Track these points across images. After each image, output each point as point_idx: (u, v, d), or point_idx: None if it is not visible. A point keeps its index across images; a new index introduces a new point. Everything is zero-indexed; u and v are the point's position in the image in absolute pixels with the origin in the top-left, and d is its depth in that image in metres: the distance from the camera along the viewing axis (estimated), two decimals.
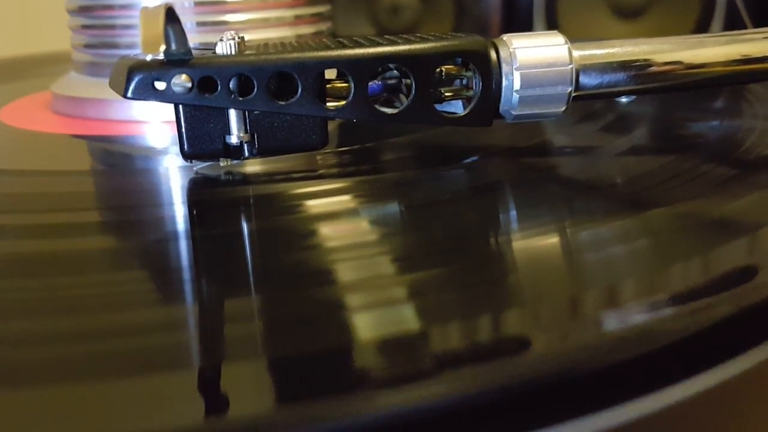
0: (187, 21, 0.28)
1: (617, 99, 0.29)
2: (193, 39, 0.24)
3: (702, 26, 0.42)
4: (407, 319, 0.13)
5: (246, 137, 0.20)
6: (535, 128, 0.26)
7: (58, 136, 0.28)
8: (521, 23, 0.47)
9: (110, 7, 0.29)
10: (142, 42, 0.18)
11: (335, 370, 0.12)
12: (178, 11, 0.19)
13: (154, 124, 0.28)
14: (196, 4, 0.28)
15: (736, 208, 0.18)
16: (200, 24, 0.29)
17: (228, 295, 0.15)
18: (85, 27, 0.30)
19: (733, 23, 0.41)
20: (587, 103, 0.29)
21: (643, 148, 0.24)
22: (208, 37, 0.27)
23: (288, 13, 0.30)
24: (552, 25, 0.46)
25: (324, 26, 0.32)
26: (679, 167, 0.21)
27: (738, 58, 0.21)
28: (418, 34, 0.21)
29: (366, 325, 0.13)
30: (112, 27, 0.29)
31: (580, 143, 0.25)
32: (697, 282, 0.15)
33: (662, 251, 0.16)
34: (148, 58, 0.19)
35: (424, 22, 0.49)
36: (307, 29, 0.31)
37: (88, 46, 0.31)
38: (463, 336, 0.13)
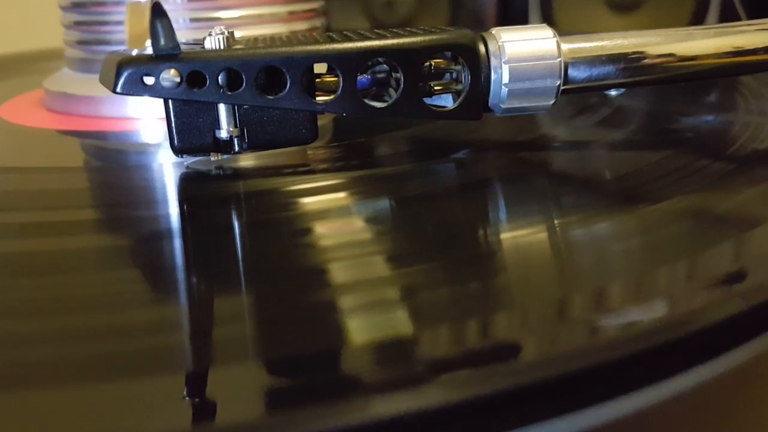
0: (180, 17, 0.28)
1: (607, 92, 0.29)
2: (186, 35, 0.24)
3: (697, 19, 0.42)
4: (398, 321, 0.13)
5: (236, 132, 0.20)
6: (531, 123, 0.26)
7: (51, 132, 0.29)
8: (516, 17, 0.47)
9: (102, 4, 0.29)
10: (127, 37, 0.18)
11: (325, 374, 0.12)
12: (171, 8, 0.19)
13: (146, 121, 0.28)
14: (189, 0, 0.28)
15: (732, 204, 0.18)
16: (193, 20, 0.28)
17: (217, 295, 0.15)
18: (78, 23, 0.30)
19: (729, 16, 0.41)
20: (582, 97, 0.29)
21: (638, 143, 0.24)
22: (202, 34, 0.27)
23: (282, 9, 0.30)
24: (547, 19, 0.46)
25: (318, 22, 0.32)
26: (673, 162, 0.21)
27: (728, 50, 0.21)
28: (408, 28, 0.21)
29: (356, 328, 0.13)
30: (105, 23, 0.29)
31: (574, 138, 0.25)
32: (693, 279, 0.15)
33: (656, 248, 0.16)
34: (134, 53, 0.19)
35: (420, 17, 0.49)
36: (300, 25, 0.31)
37: (80, 42, 0.30)
38: (453, 338, 0.13)
